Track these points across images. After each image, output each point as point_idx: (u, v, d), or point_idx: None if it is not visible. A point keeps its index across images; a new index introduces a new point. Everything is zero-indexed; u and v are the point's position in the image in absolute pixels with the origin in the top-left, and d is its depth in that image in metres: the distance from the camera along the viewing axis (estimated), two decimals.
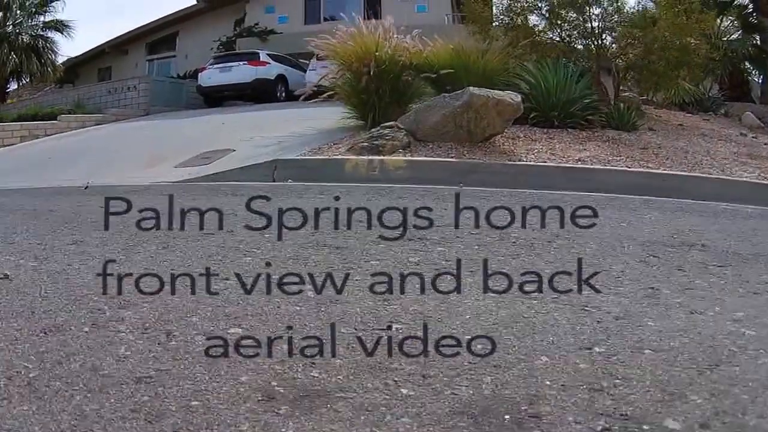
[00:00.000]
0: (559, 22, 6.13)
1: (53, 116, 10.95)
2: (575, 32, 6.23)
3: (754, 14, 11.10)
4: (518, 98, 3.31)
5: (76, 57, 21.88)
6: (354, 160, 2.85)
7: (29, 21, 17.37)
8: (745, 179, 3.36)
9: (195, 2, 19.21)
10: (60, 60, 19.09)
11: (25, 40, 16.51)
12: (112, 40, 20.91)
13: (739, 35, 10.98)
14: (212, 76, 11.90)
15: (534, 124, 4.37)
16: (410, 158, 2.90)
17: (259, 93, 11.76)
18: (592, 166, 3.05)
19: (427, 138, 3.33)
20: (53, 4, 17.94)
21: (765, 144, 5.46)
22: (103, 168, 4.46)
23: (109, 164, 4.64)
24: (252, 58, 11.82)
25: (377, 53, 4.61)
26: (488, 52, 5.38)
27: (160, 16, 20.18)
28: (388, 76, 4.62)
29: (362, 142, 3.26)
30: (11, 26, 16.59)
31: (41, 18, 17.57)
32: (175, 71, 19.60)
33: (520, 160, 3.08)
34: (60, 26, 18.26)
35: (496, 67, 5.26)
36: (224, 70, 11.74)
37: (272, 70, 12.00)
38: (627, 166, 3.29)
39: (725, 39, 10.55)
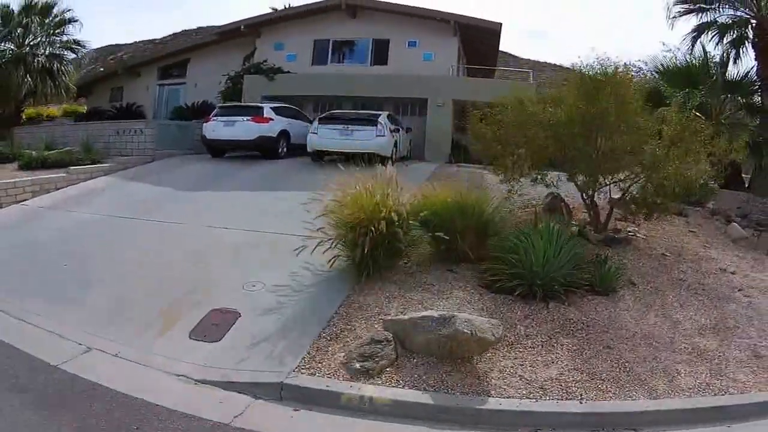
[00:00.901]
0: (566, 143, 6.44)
1: (64, 164, 11.35)
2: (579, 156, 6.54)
3: (759, 91, 11.43)
4: (500, 331, 3.67)
5: (91, 75, 22.69)
6: (347, 395, 3.34)
7: (46, 41, 18.07)
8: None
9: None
10: (77, 75, 19.95)
11: (41, 61, 17.29)
12: (125, 61, 21.70)
13: (743, 117, 11.22)
14: (216, 129, 12.11)
15: (519, 295, 4.74)
16: (394, 398, 3.33)
17: (262, 149, 12.10)
18: (543, 410, 3.36)
19: (413, 349, 3.76)
20: (70, 25, 18.78)
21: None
22: (98, 324, 4.50)
23: (108, 315, 4.70)
24: (256, 113, 11.94)
25: (380, 221, 4.79)
26: (485, 202, 5.70)
27: (174, 49, 20.69)
28: (384, 241, 4.85)
29: (354, 359, 3.65)
30: (28, 47, 17.22)
31: (57, 39, 18.44)
32: (183, 98, 20.13)
33: (487, 393, 3.45)
34: (75, 47, 19.17)
35: (491, 219, 5.61)
36: (228, 125, 11.94)
37: (275, 126, 12.19)
38: (580, 396, 3.51)
39: (726, 122, 10.82)
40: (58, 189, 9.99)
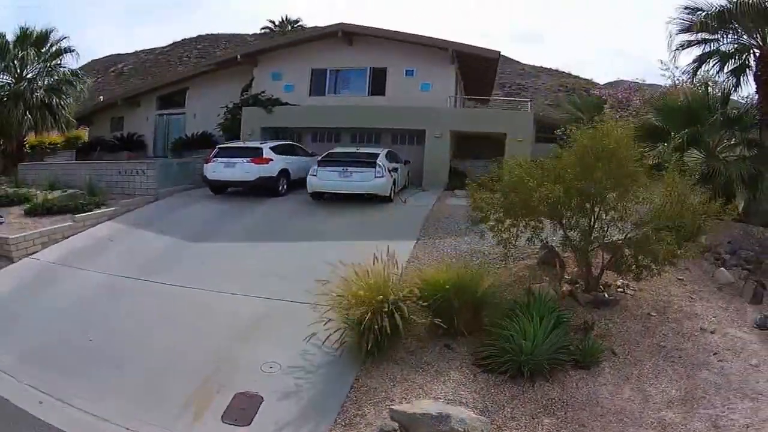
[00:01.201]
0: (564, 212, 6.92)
1: (69, 209, 11.83)
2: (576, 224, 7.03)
3: (758, 125, 11.63)
4: (488, 427, 4.24)
5: (91, 106, 23.15)
6: None
7: (44, 73, 18.10)
8: None
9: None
10: (77, 107, 20.12)
11: (39, 97, 17.31)
12: (126, 92, 22.27)
13: (741, 152, 11.41)
14: (217, 170, 12.62)
15: (509, 375, 5.29)
16: None
17: (262, 189, 12.61)
18: None
19: None
20: (67, 55, 18.84)
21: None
22: (138, 407, 4.95)
23: (146, 397, 5.17)
24: (255, 154, 12.40)
25: (383, 315, 5.25)
26: (479, 280, 6.20)
27: (172, 80, 21.10)
28: (387, 333, 5.28)
29: None
30: (26, 83, 17.26)
31: (54, 72, 18.45)
32: (183, 128, 20.63)
33: None
34: (73, 79, 18.95)
35: (486, 294, 6.13)
36: (228, 166, 12.43)
37: (275, 166, 12.67)
38: None
39: (724, 158, 11.12)
40: (66, 238, 10.50)
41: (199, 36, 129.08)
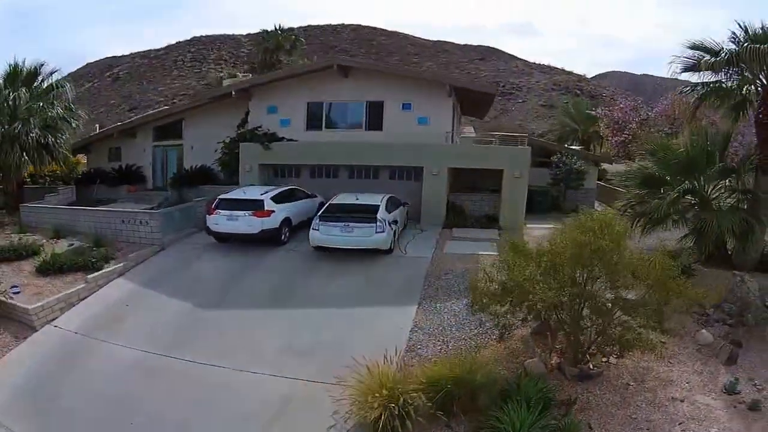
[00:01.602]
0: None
1: (78, 266, 12.32)
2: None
3: (754, 171, 11.74)
4: None
5: (87, 138, 23.43)
6: None
7: (37, 112, 17.75)
8: None
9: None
10: (73, 139, 20.35)
11: (34, 138, 17.16)
12: (121, 125, 22.51)
13: (733, 202, 11.78)
14: (220, 223, 13.15)
15: None
16: None
17: (266, 240, 13.20)
18: None
19: None
20: (59, 89, 18.80)
21: None
22: None
23: None
24: (257, 207, 12.96)
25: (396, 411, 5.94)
26: (476, 372, 6.80)
27: (167, 113, 21.49)
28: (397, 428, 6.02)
29: None
30: (20, 124, 16.99)
31: (47, 109, 18.05)
32: (180, 159, 21.05)
33: None
34: (67, 115, 19.00)
35: (483, 383, 6.73)
36: (231, 219, 12.98)
37: (277, 217, 13.24)
38: None
39: (718, 206, 11.56)
40: (82, 299, 11.14)
41: (193, 38, 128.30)
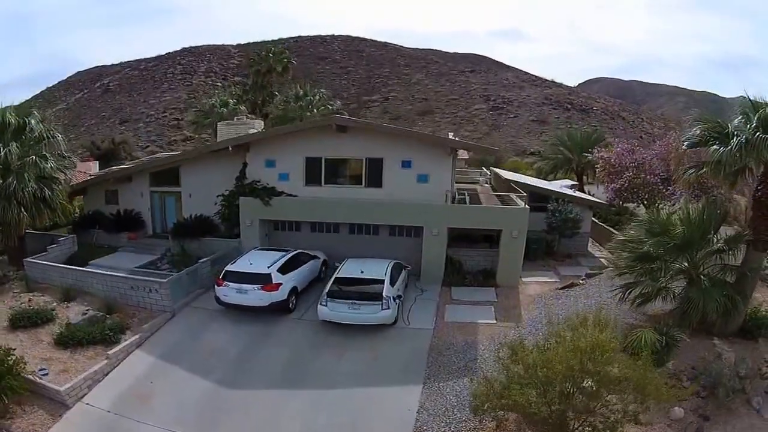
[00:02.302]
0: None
1: (95, 338, 12.88)
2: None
3: (746, 244, 12.28)
4: None
5: (85, 180, 23.54)
6: None
7: (30, 166, 17.38)
8: None
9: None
10: (69, 188, 20.37)
11: (30, 192, 17.05)
12: (116, 171, 22.61)
13: (721, 275, 12.31)
14: (229, 295, 13.88)
15: None
16: None
17: (274, 311, 13.94)
18: None
19: None
20: (51, 140, 18.45)
21: None
22: None
23: None
24: (265, 281, 13.69)
25: None
26: None
27: (162, 163, 21.64)
28: None
29: None
30: (14, 181, 16.85)
31: (40, 162, 17.63)
32: (179, 206, 21.29)
33: None
34: (62, 166, 18.83)
35: None
36: (240, 291, 13.72)
37: (285, 288, 14.02)
38: None
39: (704, 286, 12.06)
40: (106, 375, 11.91)
41: (183, 49, 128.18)
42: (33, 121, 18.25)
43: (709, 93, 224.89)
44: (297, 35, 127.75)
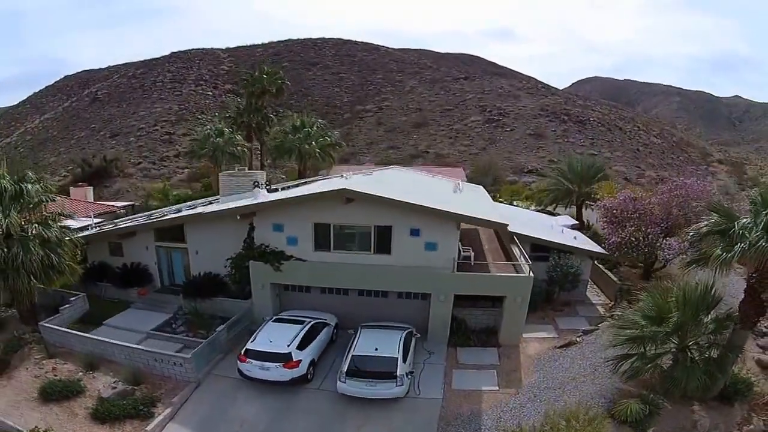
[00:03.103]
0: None
1: (129, 412, 14.08)
2: None
3: (735, 323, 13.73)
4: None
5: (88, 235, 24.06)
6: None
7: (34, 234, 17.52)
8: None
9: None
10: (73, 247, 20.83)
11: (37, 260, 17.25)
12: (119, 229, 22.86)
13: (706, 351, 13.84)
14: (252, 371, 15.18)
15: None
16: None
17: (295, 384, 15.28)
18: None
19: None
20: (48, 202, 18.76)
21: None
22: None
23: None
24: (286, 360, 15.07)
25: None
26: None
27: (166, 220, 22.03)
28: None
29: None
30: (20, 251, 17.04)
31: (44, 229, 17.85)
32: (186, 262, 21.98)
33: None
34: (65, 234, 18.91)
35: None
36: (263, 368, 15.07)
37: (305, 364, 15.39)
38: None
39: (690, 364, 13.60)
40: None
41: (172, 54, 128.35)
42: (29, 186, 18.48)
43: (703, 92, 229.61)
44: (287, 38, 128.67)
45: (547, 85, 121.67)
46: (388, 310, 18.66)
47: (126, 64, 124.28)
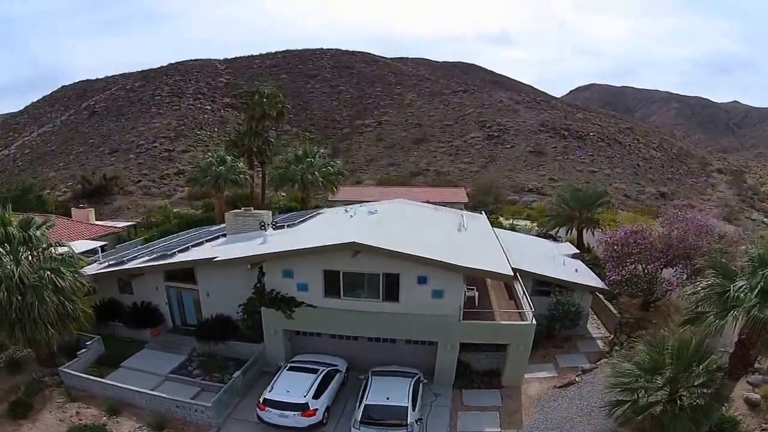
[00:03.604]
0: None
1: None
2: None
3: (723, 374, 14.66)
4: None
5: (96, 273, 24.60)
6: None
7: (47, 284, 17.99)
8: None
9: None
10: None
11: (53, 309, 17.99)
12: (128, 270, 23.46)
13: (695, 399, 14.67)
14: (272, 418, 16.43)
15: None
16: None
17: (312, 430, 16.59)
18: None
19: None
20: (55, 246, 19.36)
21: None
22: None
23: None
24: (303, 409, 16.32)
25: None
26: None
27: (175, 264, 22.50)
28: None
29: None
30: (35, 302, 17.53)
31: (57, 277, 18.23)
32: (197, 304, 22.81)
33: None
34: (79, 282, 19.35)
35: None
36: (282, 416, 16.31)
37: (320, 411, 16.65)
38: None
39: (678, 410, 14.57)
40: None
41: (170, 65, 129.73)
42: (38, 232, 19.23)
43: (701, 98, 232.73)
44: (285, 49, 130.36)
45: (545, 97, 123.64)
46: (397, 354, 19.78)
47: (124, 74, 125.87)
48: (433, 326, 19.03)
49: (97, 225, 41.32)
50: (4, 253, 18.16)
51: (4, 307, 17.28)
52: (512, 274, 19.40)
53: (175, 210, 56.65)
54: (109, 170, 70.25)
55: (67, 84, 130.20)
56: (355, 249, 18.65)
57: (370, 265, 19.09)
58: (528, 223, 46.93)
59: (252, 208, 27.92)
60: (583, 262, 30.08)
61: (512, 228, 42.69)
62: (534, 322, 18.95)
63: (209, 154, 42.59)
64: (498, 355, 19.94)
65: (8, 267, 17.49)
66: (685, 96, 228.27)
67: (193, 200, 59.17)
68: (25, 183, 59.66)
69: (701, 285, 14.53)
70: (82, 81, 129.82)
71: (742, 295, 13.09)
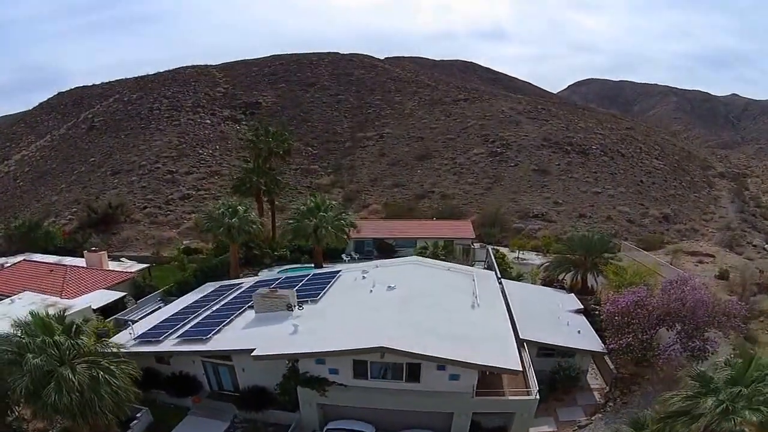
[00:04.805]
0: None
1: None
2: None
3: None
4: None
5: (131, 352, 27.09)
6: None
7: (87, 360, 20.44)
8: None
9: None
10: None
11: (109, 402, 20.15)
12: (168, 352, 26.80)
13: None
14: None
15: None
16: None
17: None
18: None
19: None
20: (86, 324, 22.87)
21: None
22: None
23: None
24: None
25: None
26: None
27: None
28: None
29: None
30: (96, 401, 19.64)
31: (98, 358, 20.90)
32: (232, 375, 26.22)
33: None
34: (115, 361, 21.56)
35: None
36: None
37: None
38: None
39: None
40: None
41: (167, 72, 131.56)
42: (84, 339, 21.81)
43: (700, 92, 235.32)
44: (280, 53, 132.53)
45: (545, 100, 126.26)
46: (418, 418, 23.29)
47: (120, 81, 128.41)
48: (450, 401, 22.64)
49: (113, 272, 44.01)
50: (58, 364, 20.34)
51: (66, 406, 19.69)
52: (520, 369, 22.88)
53: (185, 242, 59.25)
54: (113, 195, 72.89)
55: (63, 90, 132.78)
56: (383, 351, 22.30)
57: (395, 357, 22.81)
58: (534, 255, 50.31)
59: (277, 290, 29.85)
60: (586, 305, 33.57)
61: (519, 262, 47.18)
62: (537, 397, 22.62)
63: (220, 202, 44.80)
64: (505, 414, 23.48)
65: (69, 378, 19.63)
66: (684, 89, 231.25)
67: (202, 233, 61.55)
68: (31, 219, 61.80)
69: (678, 397, 17.71)
70: (79, 87, 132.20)
71: (707, 411, 16.32)
